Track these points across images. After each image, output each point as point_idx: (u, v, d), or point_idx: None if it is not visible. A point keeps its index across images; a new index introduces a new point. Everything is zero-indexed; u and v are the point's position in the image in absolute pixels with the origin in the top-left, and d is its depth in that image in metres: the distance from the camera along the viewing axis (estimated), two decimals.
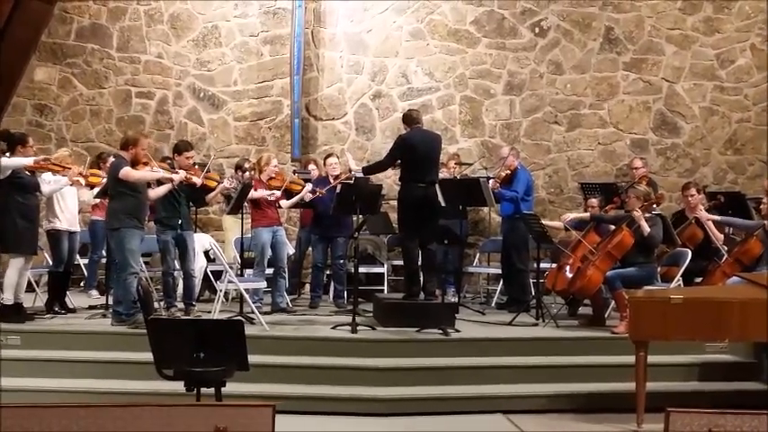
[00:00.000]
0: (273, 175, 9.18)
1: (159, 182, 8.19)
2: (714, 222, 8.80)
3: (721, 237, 8.87)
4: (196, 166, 8.81)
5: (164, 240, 8.31)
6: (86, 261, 9.95)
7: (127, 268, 7.77)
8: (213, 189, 8.75)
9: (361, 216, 8.52)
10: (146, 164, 8.09)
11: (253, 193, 8.86)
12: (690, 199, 9.11)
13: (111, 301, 8.39)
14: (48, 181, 8.39)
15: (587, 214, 9.07)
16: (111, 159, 9.57)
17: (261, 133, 11.70)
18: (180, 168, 8.42)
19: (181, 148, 8.61)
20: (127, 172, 7.78)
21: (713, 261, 8.73)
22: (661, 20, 11.81)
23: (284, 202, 9.28)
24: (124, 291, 7.79)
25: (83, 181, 8.68)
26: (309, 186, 9.23)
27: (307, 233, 10.00)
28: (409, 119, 8.61)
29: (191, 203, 8.73)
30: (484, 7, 11.73)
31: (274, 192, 9.03)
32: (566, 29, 11.79)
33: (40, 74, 11.66)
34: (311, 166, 10.09)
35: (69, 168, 8.35)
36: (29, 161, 8.00)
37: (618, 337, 7.62)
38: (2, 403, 3.30)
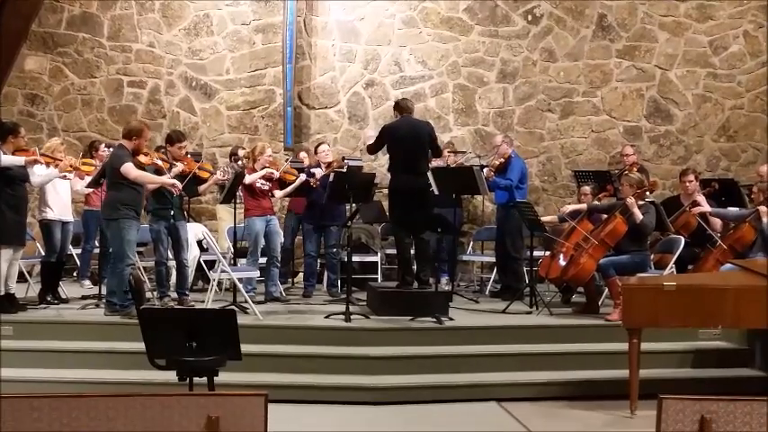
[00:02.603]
0: (267, 165, 9.15)
1: (157, 172, 8.13)
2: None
3: (719, 223, 8.87)
4: (189, 156, 8.78)
5: (156, 230, 8.28)
6: (79, 251, 9.92)
7: (124, 259, 7.73)
8: (206, 180, 8.73)
9: (354, 205, 8.51)
10: (146, 154, 8.06)
11: (247, 177, 8.83)
12: (688, 185, 9.11)
13: (104, 291, 8.37)
14: (38, 173, 8.31)
15: (584, 205, 9.04)
16: (104, 147, 9.55)
17: (253, 122, 11.67)
18: (173, 159, 8.38)
19: (173, 138, 8.56)
20: (128, 169, 7.70)
21: (706, 248, 8.74)
22: (654, 7, 11.81)
23: (278, 192, 9.26)
24: (119, 281, 7.76)
25: (71, 176, 8.64)
26: (304, 176, 9.21)
27: (295, 220, 9.97)
28: (398, 108, 8.60)
29: (183, 194, 8.69)
30: None
31: (272, 171, 9.00)
32: (558, 16, 11.77)
33: (30, 63, 11.60)
34: (302, 154, 10.04)
35: (61, 160, 8.30)
36: (20, 160, 7.96)
37: (611, 325, 7.64)
38: None
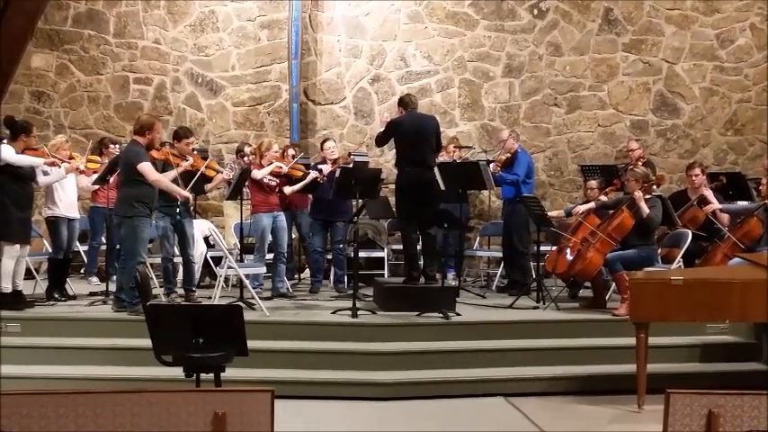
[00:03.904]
0: (274, 161, 9.13)
1: (164, 168, 8.13)
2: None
3: (726, 217, 8.85)
4: (195, 152, 8.77)
5: (162, 227, 8.29)
6: (86, 248, 9.93)
7: (136, 257, 7.70)
8: (212, 179, 8.71)
9: (360, 200, 8.50)
10: (158, 150, 8.07)
11: (255, 173, 8.82)
12: (694, 179, 9.10)
13: (111, 288, 8.38)
14: (44, 171, 8.33)
15: (593, 204, 8.98)
16: (112, 145, 9.56)
17: (259, 118, 11.67)
18: (180, 155, 8.37)
19: (181, 134, 8.53)
20: (148, 170, 7.66)
21: (714, 242, 8.72)
22: (660, 0, 11.76)
23: (287, 188, 9.25)
24: (129, 279, 7.72)
25: (74, 175, 8.65)
26: (315, 173, 9.21)
27: (289, 216, 9.95)
28: (402, 103, 8.59)
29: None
30: None
31: (281, 166, 8.98)
32: (564, 10, 11.74)
33: (37, 60, 11.62)
34: (290, 152, 9.97)
35: (68, 162, 8.34)
36: (38, 162, 8.03)
37: (619, 319, 7.62)
38: (2, 390, 3.28)
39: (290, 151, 9.85)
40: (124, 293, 7.82)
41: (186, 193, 8.05)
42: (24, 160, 7.97)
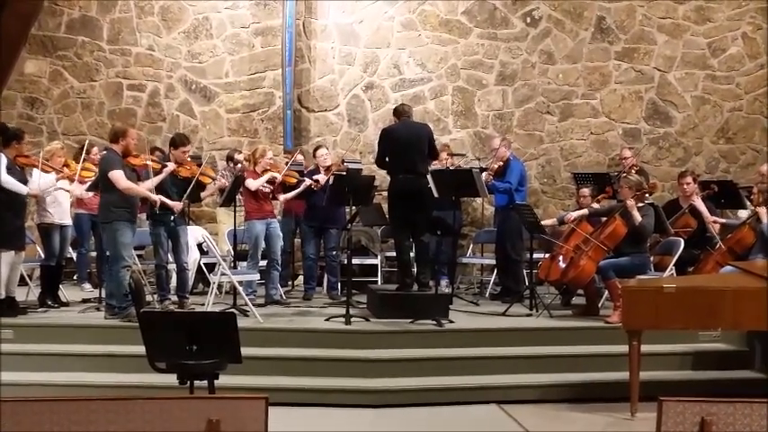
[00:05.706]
0: (268, 168, 9.12)
1: (144, 174, 8.14)
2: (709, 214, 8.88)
3: (717, 226, 8.88)
4: (190, 160, 8.76)
5: (156, 234, 8.27)
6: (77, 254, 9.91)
7: (119, 261, 7.73)
8: (206, 185, 8.68)
9: (354, 207, 8.51)
10: (136, 156, 8.06)
11: (251, 183, 8.81)
12: (686, 187, 9.12)
13: (104, 294, 8.37)
14: (35, 180, 8.34)
15: (585, 211, 8.99)
16: (96, 151, 9.54)
17: (253, 125, 11.68)
18: (175, 162, 8.34)
19: (177, 141, 8.49)
20: (117, 178, 7.68)
21: (706, 250, 8.74)
22: (652, 9, 11.81)
23: (281, 196, 9.24)
24: (117, 284, 7.76)
25: (68, 183, 8.64)
26: (309, 181, 9.22)
27: (293, 223, 9.94)
28: (396, 113, 8.66)
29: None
30: None
31: (276, 176, 8.98)
32: (557, 18, 11.78)
33: (30, 67, 11.61)
34: (299, 157, 9.97)
35: (61, 171, 8.39)
36: (24, 189, 8.10)
37: (611, 327, 7.63)
38: None
39: (299, 157, 9.86)
40: (114, 299, 7.81)
41: (155, 197, 8.03)
42: (12, 185, 7.98)
